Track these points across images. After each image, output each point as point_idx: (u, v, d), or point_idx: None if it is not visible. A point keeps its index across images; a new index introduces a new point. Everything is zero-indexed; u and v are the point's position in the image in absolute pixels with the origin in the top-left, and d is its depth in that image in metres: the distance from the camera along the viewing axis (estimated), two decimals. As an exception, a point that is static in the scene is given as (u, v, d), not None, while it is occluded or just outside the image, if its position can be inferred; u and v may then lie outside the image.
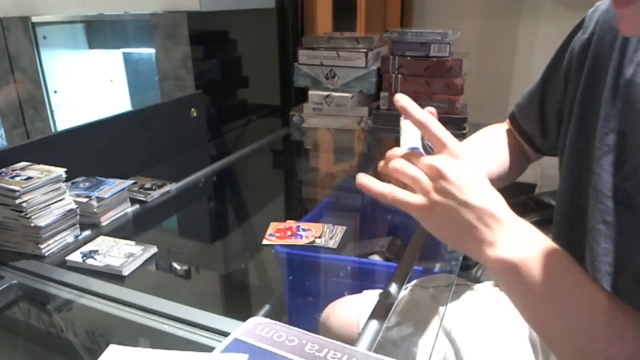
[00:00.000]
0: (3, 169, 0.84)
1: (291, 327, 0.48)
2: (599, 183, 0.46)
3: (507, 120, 0.71)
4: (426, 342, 0.62)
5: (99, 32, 1.67)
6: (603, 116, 0.47)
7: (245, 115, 1.73)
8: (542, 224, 0.85)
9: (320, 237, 0.85)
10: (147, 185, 1.08)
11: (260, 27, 1.69)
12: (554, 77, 0.59)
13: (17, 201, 0.77)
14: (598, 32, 0.51)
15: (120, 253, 0.80)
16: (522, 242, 0.41)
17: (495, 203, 0.43)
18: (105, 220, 0.94)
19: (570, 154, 0.54)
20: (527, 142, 0.68)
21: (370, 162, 1.39)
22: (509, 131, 0.71)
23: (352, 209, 1.09)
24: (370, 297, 0.70)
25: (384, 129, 1.47)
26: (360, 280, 0.78)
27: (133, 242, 0.83)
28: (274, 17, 1.64)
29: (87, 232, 0.89)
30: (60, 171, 0.84)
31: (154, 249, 0.82)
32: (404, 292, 0.70)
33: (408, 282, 0.64)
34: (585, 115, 0.51)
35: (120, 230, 0.92)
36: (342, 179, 1.28)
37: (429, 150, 0.48)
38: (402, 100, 0.48)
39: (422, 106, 0.50)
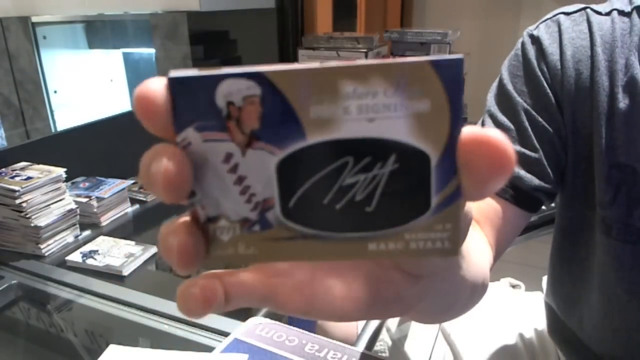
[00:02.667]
0: (3, 169, 0.84)
1: (291, 327, 0.48)
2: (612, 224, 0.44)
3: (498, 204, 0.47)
4: (425, 345, 0.62)
5: (99, 32, 1.67)
6: (604, 150, 0.44)
7: (245, 115, 1.72)
8: (539, 225, 0.86)
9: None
10: (147, 185, 1.08)
11: (260, 27, 1.68)
12: (548, 114, 0.47)
13: (17, 201, 0.77)
14: (570, 54, 0.45)
15: (120, 253, 0.80)
16: None
17: None
18: (105, 220, 0.94)
19: (568, 189, 0.49)
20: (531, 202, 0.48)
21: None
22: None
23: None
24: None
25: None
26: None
27: (133, 242, 0.83)
28: (273, 17, 1.64)
29: (87, 232, 0.89)
30: (60, 171, 0.84)
31: (154, 249, 0.82)
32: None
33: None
34: (579, 148, 0.46)
35: (120, 230, 0.92)
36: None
37: None
38: None
39: None
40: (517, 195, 0.46)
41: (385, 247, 0.16)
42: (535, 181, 0.46)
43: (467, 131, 0.15)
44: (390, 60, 0.14)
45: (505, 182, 0.15)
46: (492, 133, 0.14)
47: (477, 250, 0.36)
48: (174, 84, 0.15)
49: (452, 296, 0.26)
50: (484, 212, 0.45)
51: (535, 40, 0.48)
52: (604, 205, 0.45)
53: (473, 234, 0.40)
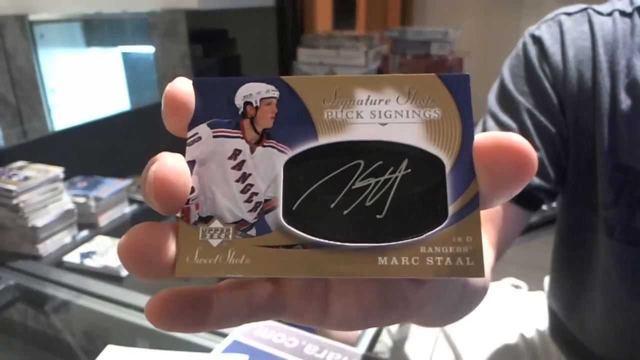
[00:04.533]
0: (0, 169, 0.83)
1: (291, 327, 0.48)
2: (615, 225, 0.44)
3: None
4: (426, 346, 0.62)
5: (97, 30, 1.66)
6: (607, 151, 0.43)
7: (244, 114, 1.72)
8: (540, 226, 0.86)
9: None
10: (146, 185, 1.07)
11: (259, 26, 1.68)
12: (550, 114, 0.46)
13: (14, 201, 0.76)
14: (572, 54, 0.45)
15: (118, 253, 0.79)
16: None
17: None
18: (104, 220, 0.93)
19: (570, 191, 0.49)
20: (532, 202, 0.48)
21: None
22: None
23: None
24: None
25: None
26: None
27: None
28: (273, 16, 1.64)
29: (84, 232, 0.89)
30: (58, 170, 0.83)
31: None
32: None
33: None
34: (581, 149, 0.46)
35: (119, 230, 0.92)
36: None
37: None
38: None
39: None
40: (518, 194, 0.45)
41: (398, 262, 0.14)
42: (536, 180, 0.46)
43: (488, 135, 0.14)
44: (402, 74, 0.15)
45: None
46: (514, 136, 0.14)
47: None
48: (199, 84, 0.16)
49: (455, 299, 0.26)
50: (484, 212, 0.44)
51: (537, 41, 0.47)
52: (607, 207, 0.45)
53: None
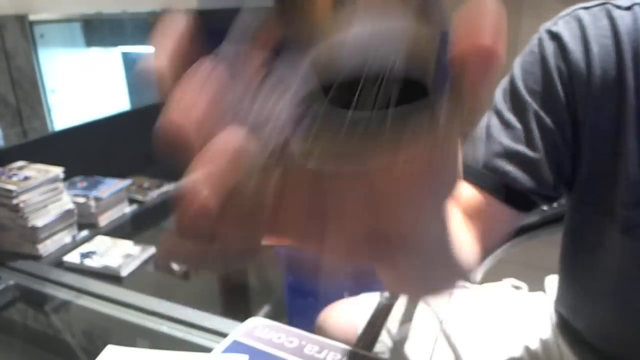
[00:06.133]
0: (0, 169, 0.83)
1: (291, 328, 0.48)
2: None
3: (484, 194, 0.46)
4: (426, 347, 0.62)
5: (97, 30, 1.66)
6: (634, 150, 0.42)
7: (244, 114, 1.72)
8: (540, 225, 0.85)
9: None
10: (146, 185, 1.07)
11: (259, 26, 1.68)
12: (555, 115, 0.46)
13: (14, 201, 0.76)
14: (596, 51, 0.44)
15: (118, 253, 0.79)
16: None
17: None
18: (103, 220, 0.93)
19: (580, 191, 0.48)
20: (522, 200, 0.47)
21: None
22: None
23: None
24: (367, 301, 0.70)
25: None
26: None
27: (131, 243, 0.83)
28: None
29: (84, 232, 0.89)
30: (58, 170, 0.83)
31: (152, 250, 0.81)
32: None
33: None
34: (600, 148, 0.45)
35: (119, 230, 0.92)
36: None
37: None
38: None
39: None
40: (511, 195, 0.45)
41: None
42: (529, 183, 0.45)
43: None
44: None
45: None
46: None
47: (461, 231, 0.39)
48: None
49: (430, 252, 0.24)
50: (469, 208, 0.44)
51: (555, 37, 0.46)
52: (628, 207, 0.44)
53: (459, 223, 0.42)
